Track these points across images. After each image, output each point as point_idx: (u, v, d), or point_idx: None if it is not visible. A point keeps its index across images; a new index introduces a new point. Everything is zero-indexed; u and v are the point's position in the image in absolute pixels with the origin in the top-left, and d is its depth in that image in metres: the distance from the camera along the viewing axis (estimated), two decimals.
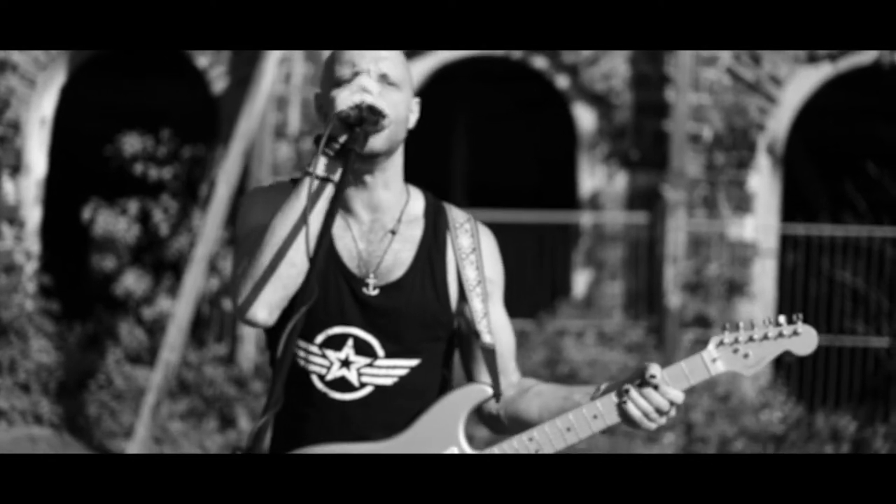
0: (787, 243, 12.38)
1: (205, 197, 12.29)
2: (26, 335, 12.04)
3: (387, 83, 3.25)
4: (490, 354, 3.30)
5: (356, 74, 3.22)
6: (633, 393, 3.26)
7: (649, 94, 12.30)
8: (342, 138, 3.16)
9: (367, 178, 3.28)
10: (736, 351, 3.18)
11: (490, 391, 3.30)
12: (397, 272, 3.29)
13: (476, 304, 3.30)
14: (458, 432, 3.25)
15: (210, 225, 11.48)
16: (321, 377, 3.25)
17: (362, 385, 3.24)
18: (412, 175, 3.45)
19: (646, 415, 3.26)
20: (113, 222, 12.51)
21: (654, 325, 12.10)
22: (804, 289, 12.21)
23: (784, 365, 12.21)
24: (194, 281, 11.29)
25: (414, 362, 3.28)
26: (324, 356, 3.24)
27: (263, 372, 12.22)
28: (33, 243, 12.80)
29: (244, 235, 3.30)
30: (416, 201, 3.37)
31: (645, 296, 12.33)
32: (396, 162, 3.33)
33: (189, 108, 13.11)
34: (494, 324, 3.37)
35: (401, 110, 3.27)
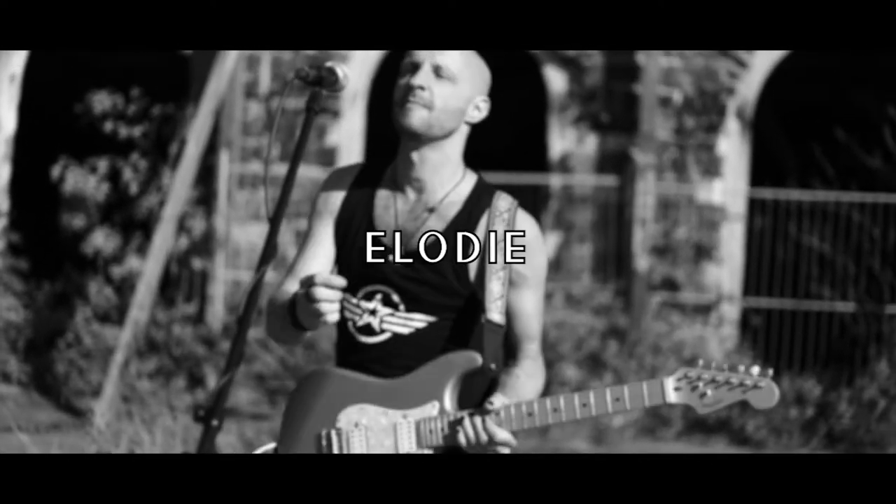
0: (756, 207, 12.44)
1: (175, 156, 12.26)
2: None
3: (440, 75, 3.61)
4: (493, 332, 3.55)
5: (415, 66, 3.62)
6: (466, 421, 3.48)
7: (620, 57, 12.32)
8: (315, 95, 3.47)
9: (413, 155, 3.65)
10: (695, 388, 3.25)
11: (479, 361, 3.53)
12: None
13: (493, 285, 3.57)
14: (444, 390, 3.55)
15: (179, 184, 11.46)
16: (354, 323, 3.68)
17: (382, 331, 3.65)
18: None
19: (470, 444, 3.48)
20: (82, 181, 12.48)
21: (622, 287, 12.16)
22: (771, 253, 12.29)
23: (750, 329, 12.29)
24: (163, 240, 11.27)
25: (432, 319, 3.63)
26: (358, 307, 3.67)
27: (232, 332, 12.24)
28: (2, 201, 12.75)
29: (308, 226, 3.79)
30: (466, 185, 3.68)
31: (613, 258, 12.38)
32: (447, 149, 3.66)
33: (159, 67, 13.05)
34: (520, 311, 3.65)
35: (450, 102, 3.62)
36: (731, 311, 12.35)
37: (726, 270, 12.32)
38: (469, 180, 3.70)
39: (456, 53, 3.66)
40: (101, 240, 12.47)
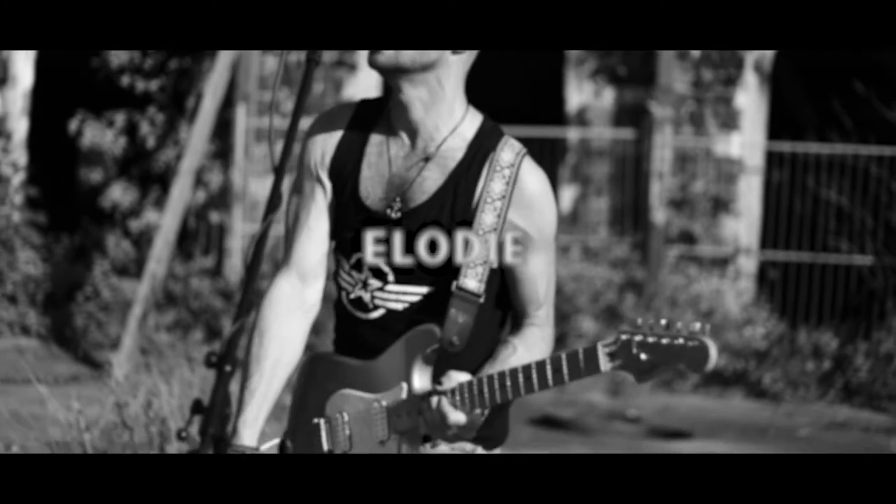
0: (773, 161, 12.41)
1: (192, 110, 12.27)
2: (13, 247, 12.08)
3: None
4: (463, 300, 3.24)
5: None
6: (423, 403, 3.21)
7: None
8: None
9: (402, 97, 3.27)
10: (629, 354, 2.93)
11: (437, 334, 3.23)
12: (419, 199, 3.29)
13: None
14: (412, 371, 3.25)
15: (196, 137, 11.47)
16: (347, 294, 3.37)
17: (375, 307, 3.33)
18: None
19: (429, 427, 3.23)
20: (100, 135, 12.51)
21: (639, 240, 12.16)
22: (789, 206, 12.26)
23: (768, 282, 12.29)
24: (181, 193, 11.29)
25: (424, 290, 3.30)
26: (350, 276, 3.35)
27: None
28: (20, 155, 12.78)
29: (297, 176, 3.42)
30: (468, 129, 3.31)
31: (630, 212, 12.37)
32: (433, 84, 3.27)
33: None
34: (523, 274, 3.30)
35: None
36: (748, 265, 12.34)
37: (744, 223, 12.31)
38: (472, 122, 3.32)
39: None
40: (119, 193, 12.52)
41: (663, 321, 2.90)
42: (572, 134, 12.49)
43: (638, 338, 2.89)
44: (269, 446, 3.65)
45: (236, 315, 2.71)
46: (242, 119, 12.58)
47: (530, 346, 3.29)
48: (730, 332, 11.57)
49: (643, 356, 2.89)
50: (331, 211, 3.39)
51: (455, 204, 3.26)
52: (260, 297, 3.28)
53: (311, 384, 3.43)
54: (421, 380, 3.25)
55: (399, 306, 3.30)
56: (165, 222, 11.24)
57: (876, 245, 12.02)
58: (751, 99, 12.24)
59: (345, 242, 3.36)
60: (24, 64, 12.63)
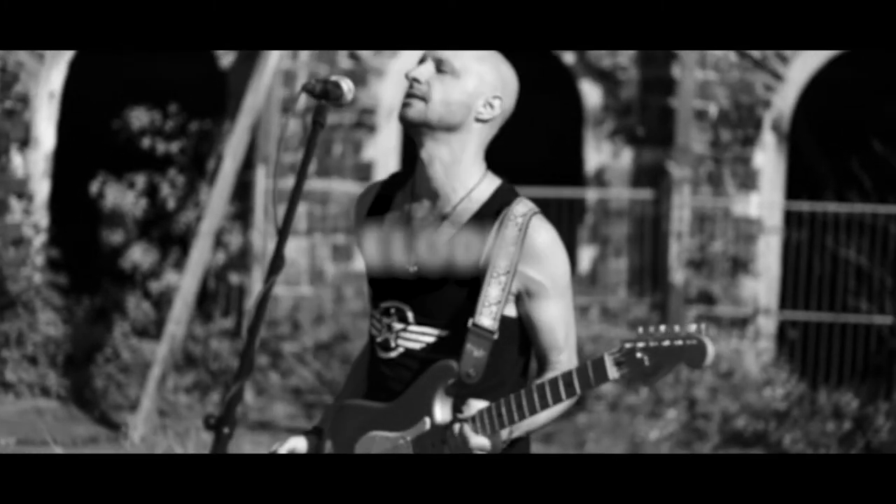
0: (792, 220, 12.39)
1: (212, 171, 12.34)
2: (34, 308, 12.13)
3: (441, 70, 3.56)
4: (478, 337, 3.47)
5: (420, 62, 3.60)
6: (447, 431, 3.45)
7: (655, 71, 12.31)
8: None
9: (422, 153, 3.59)
10: (634, 360, 3.15)
11: (455, 369, 3.46)
12: (433, 253, 3.58)
13: (491, 290, 3.47)
14: (433, 405, 3.49)
15: (216, 199, 11.53)
16: (375, 339, 3.67)
17: (396, 346, 3.61)
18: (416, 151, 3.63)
19: (454, 453, 3.45)
20: (121, 196, 12.58)
21: (659, 301, 12.14)
22: (808, 266, 12.23)
23: (787, 342, 12.24)
24: (200, 255, 11.34)
25: (442, 332, 3.56)
26: (379, 321, 3.65)
27: (269, 346, 12.30)
28: (42, 217, 12.86)
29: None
30: (484, 190, 3.59)
31: (650, 272, 12.36)
32: (456, 147, 3.58)
33: (197, 83, 13.15)
34: (541, 321, 3.55)
35: (451, 95, 3.54)
36: (767, 325, 12.30)
37: (763, 284, 12.28)
38: (489, 185, 3.62)
39: (467, 52, 3.62)
40: (139, 255, 12.57)
41: (662, 327, 3.12)
42: (591, 194, 12.52)
43: (641, 344, 3.11)
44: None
45: (235, 376, 2.75)
46: (262, 180, 12.65)
47: None
48: (749, 392, 11.53)
49: (647, 360, 3.09)
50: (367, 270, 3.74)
51: (466, 252, 3.53)
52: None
53: (340, 431, 3.67)
54: (442, 412, 3.49)
55: (416, 346, 3.57)
56: (184, 284, 11.28)
57: (895, 304, 11.98)
58: (769, 159, 12.25)
59: (374, 293, 3.69)
60: (46, 126, 12.73)
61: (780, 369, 11.79)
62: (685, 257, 12.09)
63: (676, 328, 3.11)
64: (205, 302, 12.65)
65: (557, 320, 3.57)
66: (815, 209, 12.21)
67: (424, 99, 3.54)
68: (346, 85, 3.50)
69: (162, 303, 12.32)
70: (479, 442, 3.39)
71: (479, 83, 3.59)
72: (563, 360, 3.57)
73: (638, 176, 12.41)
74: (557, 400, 3.32)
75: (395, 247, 3.63)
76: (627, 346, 3.15)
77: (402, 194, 3.69)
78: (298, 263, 12.68)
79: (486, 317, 3.47)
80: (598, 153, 12.53)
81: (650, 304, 12.12)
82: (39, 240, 12.72)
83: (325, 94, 3.47)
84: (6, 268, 12.06)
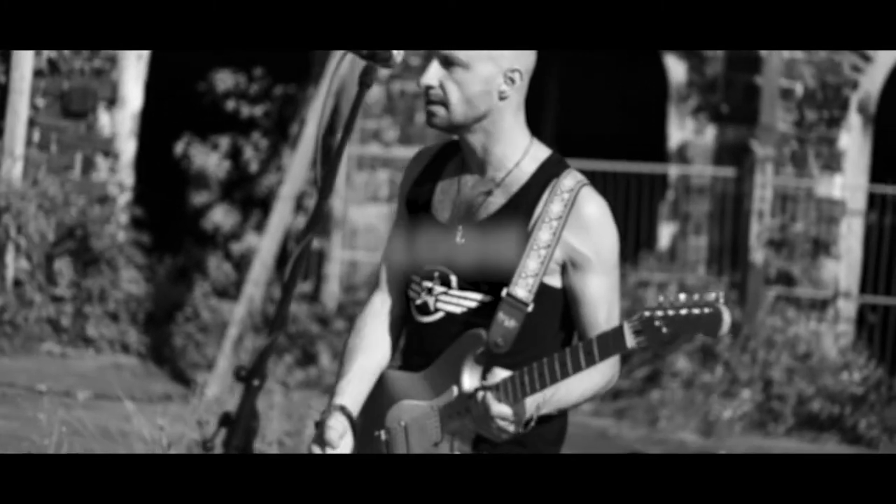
0: (875, 203, 12.24)
1: (295, 136, 12.42)
2: (117, 266, 12.30)
3: (449, 65, 3.51)
4: (511, 306, 3.45)
5: (428, 64, 3.54)
6: (470, 399, 3.42)
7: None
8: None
9: (469, 139, 3.57)
10: (653, 329, 3.13)
11: (483, 337, 3.44)
12: (481, 216, 3.57)
13: (530, 262, 3.45)
14: (462, 373, 3.47)
15: (298, 164, 11.61)
16: (413, 302, 3.64)
17: (436, 310, 3.58)
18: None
19: (477, 421, 3.41)
20: (204, 158, 12.71)
21: (737, 280, 12.06)
22: (890, 250, 12.07)
23: (867, 326, 12.11)
24: (280, 218, 11.43)
25: (481, 297, 3.53)
26: (420, 284, 3.63)
27: (346, 311, 12.38)
28: (127, 175, 13.02)
29: (398, 204, 3.83)
30: (533, 159, 3.57)
31: (729, 251, 12.28)
32: (493, 129, 3.56)
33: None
34: (583, 295, 3.51)
35: (469, 89, 3.51)
36: (847, 308, 12.18)
37: (844, 266, 12.15)
38: (537, 154, 3.60)
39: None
40: (221, 216, 12.70)
41: (682, 295, 3.14)
42: (673, 171, 12.44)
43: (659, 313, 3.10)
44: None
45: (269, 329, 2.78)
46: (345, 146, 12.69)
47: (591, 369, 3.40)
48: (826, 375, 11.43)
49: (665, 329, 3.09)
50: (409, 233, 3.71)
51: (514, 221, 3.52)
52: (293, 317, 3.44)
53: (373, 400, 3.65)
54: (471, 380, 3.47)
55: (457, 310, 3.56)
56: (264, 246, 11.39)
57: None
58: (854, 140, 12.10)
59: (416, 255, 3.66)
60: (133, 86, 12.86)
61: (859, 353, 11.65)
62: (766, 237, 11.98)
63: (696, 296, 3.12)
64: (284, 265, 12.74)
65: (600, 297, 3.52)
66: None
67: (444, 104, 3.52)
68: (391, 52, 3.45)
69: (242, 264, 12.45)
70: (501, 410, 3.34)
71: (492, 65, 3.53)
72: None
73: (721, 153, 12.32)
74: (577, 368, 3.29)
75: (444, 214, 3.63)
76: (646, 314, 3.13)
77: (455, 163, 3.69)
78: (379, 230, 12.74)
79: (522, 288, 3.45)
80: (682, 129, 12.44)
81: (728, 283, 12.03)
82: (124, 198, 12.88)
83: (373, 56, 3.42)
84: (91, 225, 12.23)
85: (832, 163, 12.07)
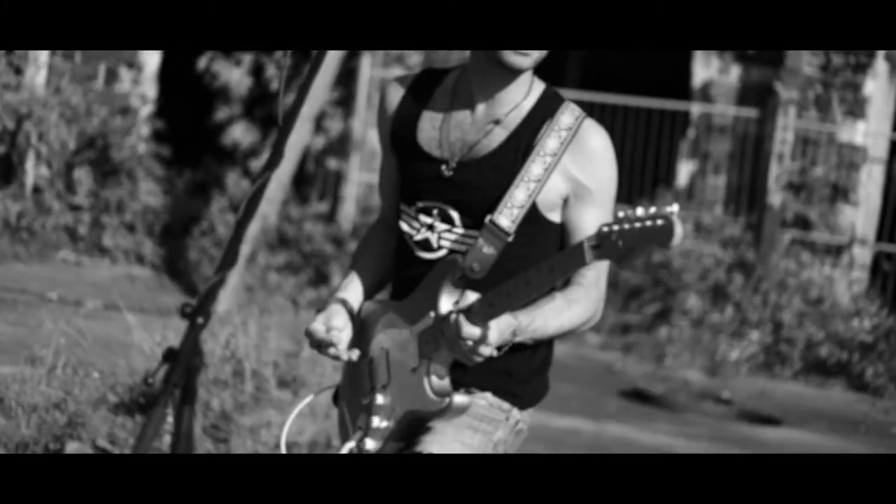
0: None
1: (317, 55, 12.37)
2: (136, 177, 12.34)
3: None
4: (491, 234, 3.45)
5: None
6: (444, 321, 3.40)
7: None
8: None
9: (493, 77, 3.50)
10: (610, 244, 3.11)
11: (459, 262, 3.45)
12: (482, 152, 3.51)
13: (518, 193, 3.44)
14: (438, 299, 3.46)
15: (319, 84, 11.56)
16: (411, 237, 3.57)
17: (440, 247, 3.52)
18: None
19: (449, 343, 3.38)
20: (227, 73, 12.69)
21: (754, 222, 12.01)
22: None
23: (881, 274, 12.06)
24: (298, 138, 11.41)
25: None
26: (417, 219, 3.56)
27: (361, 232, 12.40)
28: (150, 88, 13.02)
29: (379, 138, 3.76)
30: (533, 95, 3.53)
31: (747, 192, 12.22)
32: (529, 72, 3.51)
33: None
34: (578, 226, 3.49)
35: None
36: (862, 255, 12.12)
37: (862, 213, 12.08)
38: (536, 89, 3.55)
39: None
40: (240, 133, 12.70)
41: (639, 209, 3.08)
42: (695, 108, 12.36)
43: (616, 227, 3.09)
44: (326, 390, 3.83)
45: (218, 267, 2.76)
46: (367, 69, 12.67)
47: (571, 300, 3.45)
48: (837, 321, 11.40)
49: (621, 243, 3.08)
50: (399, 165, 3.66)
51: (515, 157, 3.48)
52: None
53: (361, 331, 3.63)
54: (447, 305, 3.44)
55: (461, 247, 3.50)
56: (281, 165, 11.38)
57: None
58: (879, 87, 11.99)
59: (411, 191, 3.59)
60: None
61: (871, 301, 11.62)
62: (785, 179, 11.93)
63: (652, 209, 3.05)
64: (302, 185, 12.76)
65: (592, 230, 3.38)
66: None
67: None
68: None
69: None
70: (471, 331, 3.30)
71: None
72: (591, 275, 3.49)
73: (744, 94, 12.23)
74: (540, 286, 3.27)
75: (436, 149, 3.56)
76: (604, 229, 3.11)
77: (441, 95, 3.61)
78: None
79: (506, 217, 3.43)
80: (707, 68, 12.35)
81: (745, 224, 11.99)
82: (146, 110, 12.90)
83: None
84: (112, 135, 12.26)
85: (856, 109, 11.97)
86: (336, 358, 3.55)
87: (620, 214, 3.10)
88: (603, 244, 3.12)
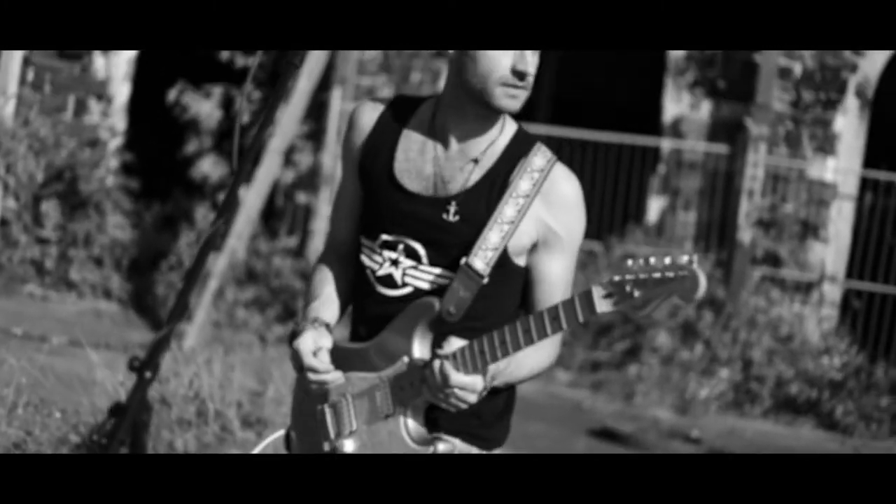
0: (867, 188, 12.14)
1: (288, 90, 12.33)
2: (104, 210, 12.25)
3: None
4: (467, 277, 3.37)
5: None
6: (426, 369, 3.33)
7: None
8: None
9: (475, 114, 3.45)
10: (623, 293, 2.99)
11: (436, 306, 3.36)
12: (457, 189, 3.46)
13: (492, 235, 3.38)
14: (412, 343, 3.39)
15: (289, 118, 11.54)
16: (374, 272, 3.50)
17: (404, 284, 3.46)
18: None
19: (432, 391, 3.31)
20: (197, 105, 12.63)
21: (724, 258, 11.99)
22: (879, 236, 11.99)
23: (851, 311, 12.04)
24: (268, 172, 11.38)
25: (452, 275, 3.41)
26: (380, 255, 3.49)
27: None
28: (119, 120, 12.95)
29: (343, 163, 3.68)
30: (506, 135, 3.49)
31: (717, 228, 12.20)
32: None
33: None
34: (545, 275, 3.45)
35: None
36: (832, 292, 12.11)
37: (832, 250, 12.07)
38: (509, 127, 3.52)
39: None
40: (209, 166, 12.63)
41: (653, 258, 2.97)
42: (666, 144, 12.35)
43: (630, 276, 2.96)
44: (274, 438, 3.75)
45: (167, 319, 2.70)
46: (338, 102, 12.63)
47: (539, 345, 3.31)
48: (807, 359, 11.37)
49: (636, 293, 2.96)
50: (363, 196, 3.57)
51: (489, 198, 3.42)
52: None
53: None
54: (421, 350, 3.38)
55: (426, 286, 3.44)
56: (249, 199, 11.33)
57: None
58: (850, 123, 11.99)
59: (375, 223, 3.51)
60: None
61: (841, 339, 11.60)
62: (755, 216, 11.91)
63: (667, 260, 2.95)
64: (272, 219, 12.70)
65: (560, 278, 3.47)
66: (893, 178, 11.95)
67: (528, 91, 3.43)
68: None
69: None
70: (461, 379, 3.26)
71: None
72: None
73: (715, 129, 12.23)
74: (542, 335, 3.19)
75: (411, 183, 3.48)
76: (617, 278, 3.01)
77: (417, 126, 3.55)
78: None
79: (480, 259, 3.37)
80: (678, 103, 12.35)
81: (715, 261, 11.97)
82: (115, 143, 12.82)
83: None
84: (80, 167, 12.18)
85: (826, 145, 11.97)
86: (321, 384, 3.48)
87: (630, 262, 3.01)
88: (616, 293, 3.02)
